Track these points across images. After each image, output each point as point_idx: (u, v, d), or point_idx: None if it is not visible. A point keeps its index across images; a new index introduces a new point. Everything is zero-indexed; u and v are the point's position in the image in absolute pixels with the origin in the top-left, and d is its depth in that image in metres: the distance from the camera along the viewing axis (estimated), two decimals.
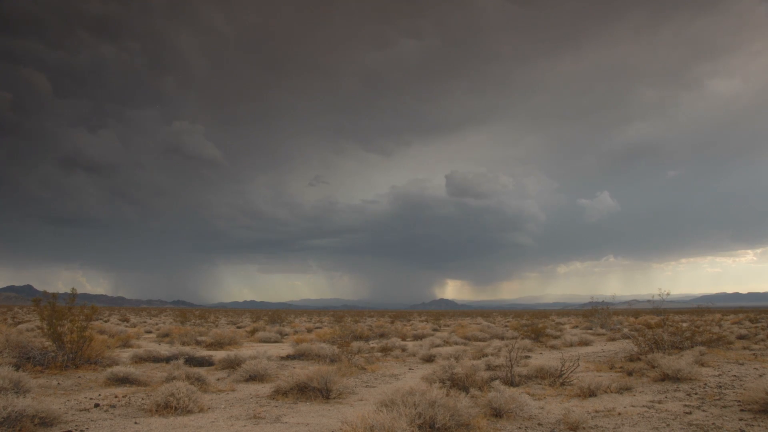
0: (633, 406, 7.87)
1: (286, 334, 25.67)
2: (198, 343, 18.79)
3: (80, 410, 7.58)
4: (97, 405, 7.90)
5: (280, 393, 8.75)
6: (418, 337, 23.97)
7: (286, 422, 7.08)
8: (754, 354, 14.59)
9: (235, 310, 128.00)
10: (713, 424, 6.67)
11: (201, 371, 10.20)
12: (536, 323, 32.68)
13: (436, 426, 5.77)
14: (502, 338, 22.60)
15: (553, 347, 19.04)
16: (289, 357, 14.50)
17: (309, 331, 28.60)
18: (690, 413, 7.29)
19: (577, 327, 33.60)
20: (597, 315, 32.34)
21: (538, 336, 21.49)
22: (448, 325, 37.48)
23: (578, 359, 11.37)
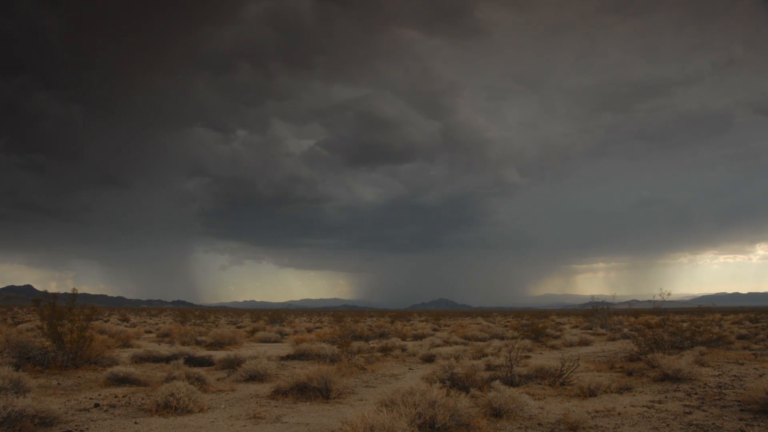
0: (633, 406, 7.87)
1: (286, 334, 25.68)
2: (198, 343, 18.79)
3: (80, 410, 7.59)
4: (97, 405, 7.90)
5: (280, 393, 8.76)
6: (418, 337, 23.96)
7: (286, 422, 7.08)
8: (754, 354, 14.58)
9: (235, 310, 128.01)
10: (713, 424, 6.67)
11: (201, 371, 10.20)
12: (536, 323, 32.69)
13: (436, 426, 5.77)
14: (502, 338, 22.61)
15: (553, 347, 19.03)
16: (289, 357, 14.50)
17: (309, 331, 28.61)
18: (690, 413, 7.29)
19: (577, 327, 33.61)
20: (597, 315, 32.36)
21: (538, 336, 21.49)
22: (448, 325, 37.47)
23: (578, 359, 11.35)
